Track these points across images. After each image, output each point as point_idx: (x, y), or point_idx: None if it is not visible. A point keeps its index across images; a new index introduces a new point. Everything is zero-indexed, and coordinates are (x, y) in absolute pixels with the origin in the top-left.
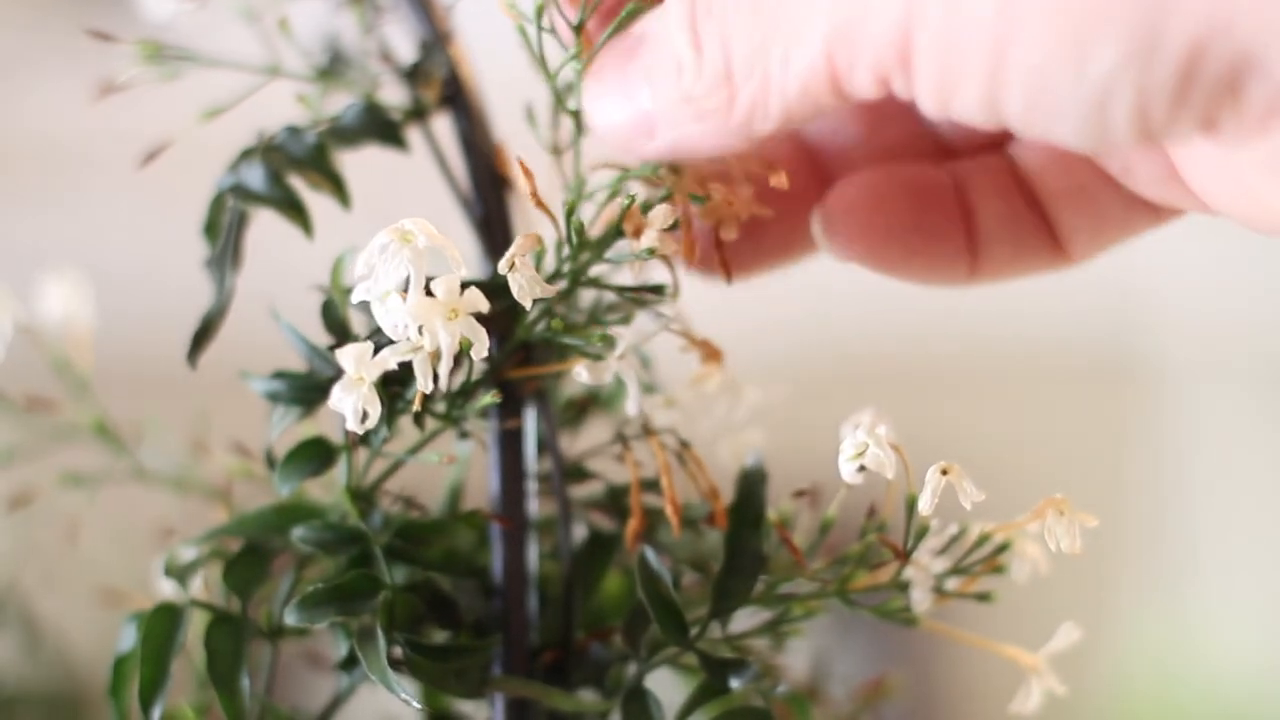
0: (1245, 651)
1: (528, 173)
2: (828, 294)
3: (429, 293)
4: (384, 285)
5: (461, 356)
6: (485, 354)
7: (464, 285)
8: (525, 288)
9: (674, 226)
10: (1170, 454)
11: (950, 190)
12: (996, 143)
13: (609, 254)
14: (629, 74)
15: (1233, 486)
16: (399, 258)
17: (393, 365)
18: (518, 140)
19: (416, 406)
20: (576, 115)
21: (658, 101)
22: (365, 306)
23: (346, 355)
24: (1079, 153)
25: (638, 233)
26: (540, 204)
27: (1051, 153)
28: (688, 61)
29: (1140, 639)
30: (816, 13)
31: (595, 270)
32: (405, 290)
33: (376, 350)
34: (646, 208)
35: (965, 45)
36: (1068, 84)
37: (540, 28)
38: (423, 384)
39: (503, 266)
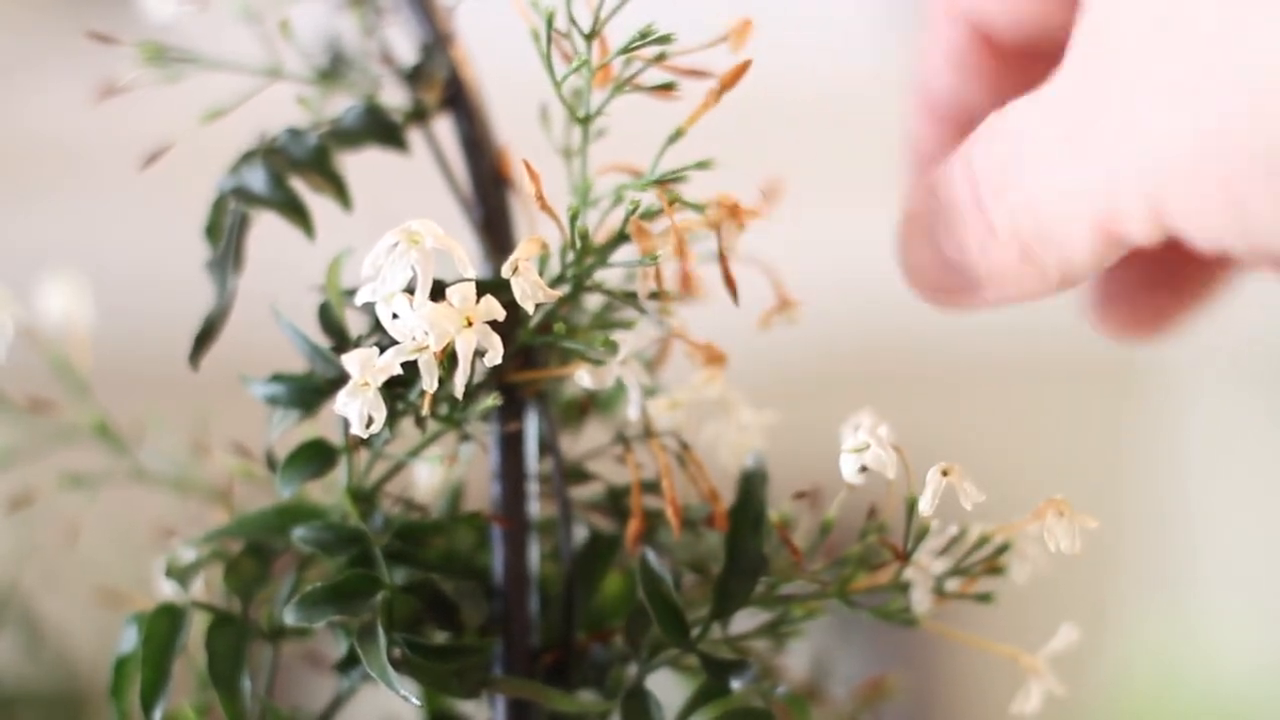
0: (1245, 651)
1: (533, 175)
2: (828, 294)
3: (436, 295)
4: (390, 286)
5: (471, 361)
6: (499, 360)
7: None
8: (528, 292)
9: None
10: (1170, 454)
11: None
12: None
13: (613, 259)
14: (940, 236)
15: (1233, 486)
16: (406, 259)
17: (397, 369)
18: (519, 142)
19: (426, 409)
20: (584, 121)
21: (977, 268)
22: (369, 307)
23: (352, 361)
24: None
25: (644, 239)
26: (545, 206)
27: None
28: (989, 242)
29: (1140, 639)
30: (1076, 198)
31: (599, 274)
32: (410, 291)
33: (379, 351)
34: (649, 214)
35: (1207, 204)
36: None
37: (552, 30)
38: (428, 384)
39: (506, 270)
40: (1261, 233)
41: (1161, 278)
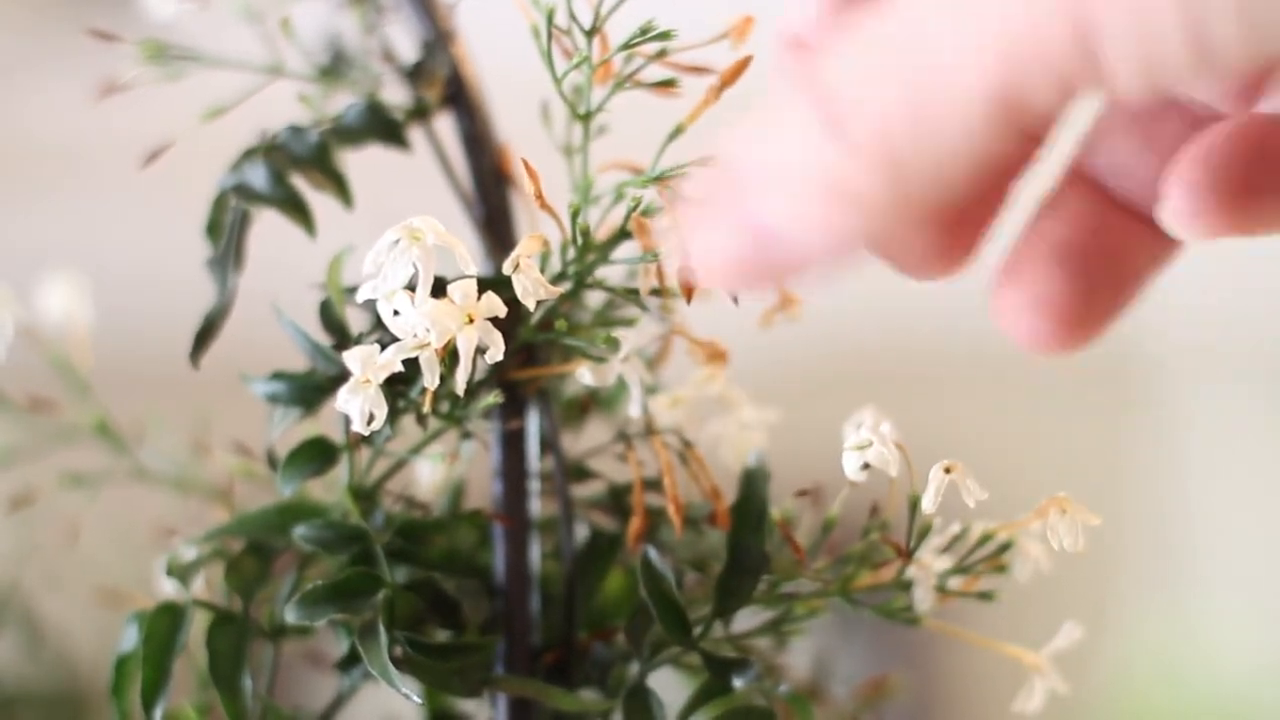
0: (1245, 651)
1: (532, 173)
2: (828, 293)
3: (437, 292)
4: (391, 283)
5: (472, 358)
6: (500, 357)
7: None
8: (529, 289)
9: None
10: (1170, 454)
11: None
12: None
13: (614, 255)
14: (741, 198)
15: (1233, 485)
16: (407, 256)
17: (399, 367)
18: (520, 140)
19: (427, 406)
20: (585, 118)
21: (791, 206)
22: (370, 305)
23: (353, 358)
24: None
25: (645, 236)
26: (545, 205)
27: None
28: (829, 145)
29: (1142, 638)
30: (972, 48)
31: (600, 272)
32: (412, 289)
33: (380, 348)
34: (650, 211)
35: (1155, 21)
36: None
37: (552, 27)
38: (430, 381)
39: (507, 267)
40: (1222, 36)
41: (1088, 267)
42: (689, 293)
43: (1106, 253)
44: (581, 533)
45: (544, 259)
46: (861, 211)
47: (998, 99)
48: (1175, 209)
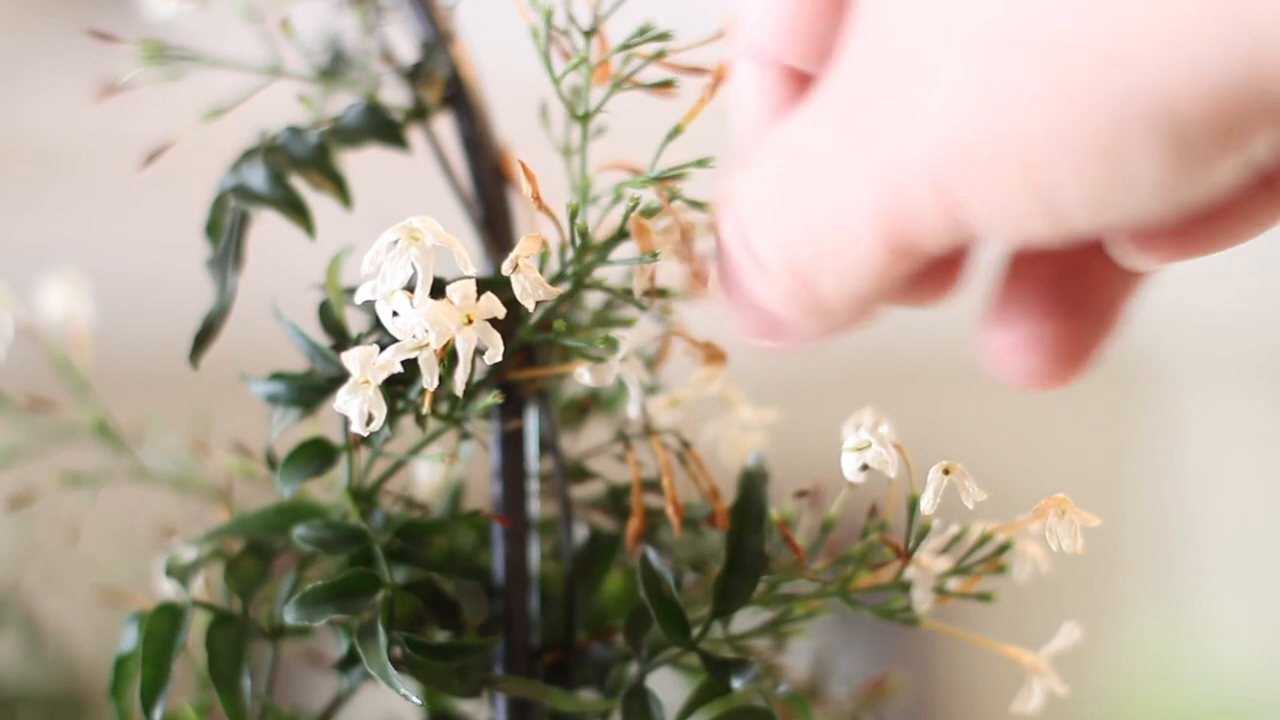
0: (1245, 651)
1: (530, 175)
2: None
3: (436, 292)
4: (390, 284)
5: (471, 359)
6: (499, 358)
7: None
8: (528, 289)
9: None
10: (1170, 453)
11: None
12: None
13: (613, 256)
14: (734, 287)
15: (1233, 486)
16: (406, 256)
17: (398, 367)
18: (519, 140)
19: (426, 407)
20: (583, 119)
21: (771, 307)
22: (369, 305)
23: (352, 358)
24: None
25: (644, 237)
26: (542, 206)
27: None
28: (761, 282)
29: (1141, 639)
30: (856, 203)
31: (598, 272)
32: (411, 289)
33: (379, 349)
34: (650, 212)
35: (1004, 184)
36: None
37: (550, 28)
38: (429, 381)
39: (506, 268)
40: (1070, 211)
41: (1068, 302)
42: (697, 280)
43: (1085, 284)
44: (581, 533)
45: (543, 259)
46: (792, 314)
47: (885, 244)
48: (1125, 242)
